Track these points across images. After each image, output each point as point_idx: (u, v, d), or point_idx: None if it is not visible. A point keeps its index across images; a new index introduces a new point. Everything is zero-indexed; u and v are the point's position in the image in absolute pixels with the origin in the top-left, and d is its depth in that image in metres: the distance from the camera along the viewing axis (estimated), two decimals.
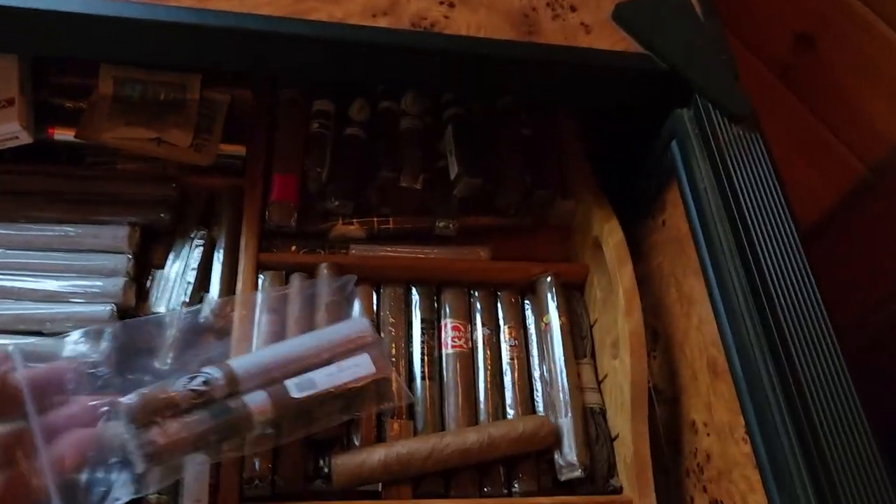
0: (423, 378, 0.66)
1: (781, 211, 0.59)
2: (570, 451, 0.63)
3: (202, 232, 0.70)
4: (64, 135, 0.71)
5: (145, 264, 0.68)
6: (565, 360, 0.67)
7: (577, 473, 0.62)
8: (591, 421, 0.65)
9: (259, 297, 0.66)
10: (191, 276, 0.67)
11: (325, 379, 0.58)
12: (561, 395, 0.65)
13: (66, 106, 0.72)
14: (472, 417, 0.65)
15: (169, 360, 0.61)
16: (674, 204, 0.68)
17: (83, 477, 0.51)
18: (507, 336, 0.70)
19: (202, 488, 0.57)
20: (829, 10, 0.83)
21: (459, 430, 0.63)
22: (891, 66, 0.79)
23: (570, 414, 0.64)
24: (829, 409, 0.50)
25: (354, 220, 0.73)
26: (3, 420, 0.47)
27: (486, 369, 0.68)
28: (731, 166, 0.61)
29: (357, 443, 0.62)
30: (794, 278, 0.56)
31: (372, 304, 0.70)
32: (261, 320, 0.65)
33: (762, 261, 0.56)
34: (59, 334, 0.62)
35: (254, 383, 0.57)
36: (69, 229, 0.67)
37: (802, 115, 0.89)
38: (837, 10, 0.82)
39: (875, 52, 0.79)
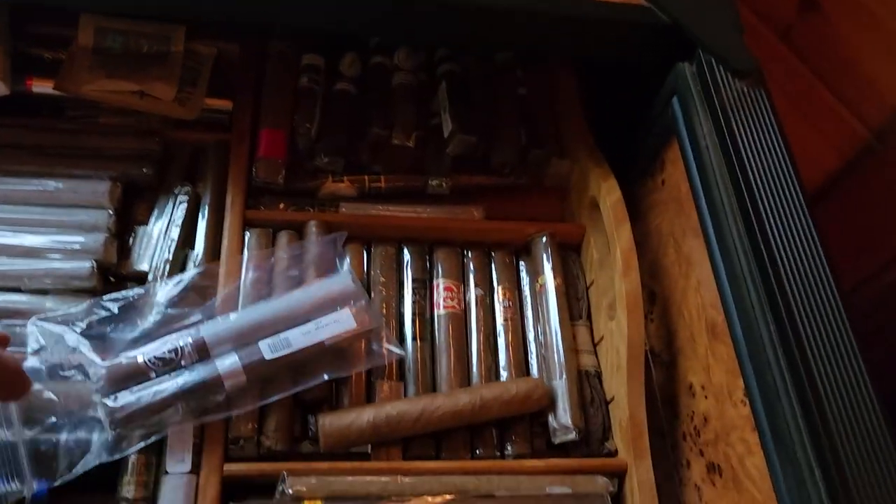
0: (414, 339, 0.64)
1: (786, 170, 0.58)
2: (564, 414, 0.61)
3: (187, 188, 0.68)
4: (43, 87, 0.69)
5: (128, 221, 0.66)
6: (560, 322, 0.65)
7: (572, 436, 0.61)
8: (587, 383, 0.64)
9: (245, 255, 0.64)
10: (175, 233, 0.65)
11: (301, 338, 0.57)
12: (555, 356, 0.64)
13: (45, 57, 0.70)
14: (464, 379, 0.64)
15: (152, 319, 0.60)
16: (674, 163, 0.66)
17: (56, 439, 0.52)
18: (500, 297, 0.68)
19: (185, 449, 0.56)
20: None
21: (451, 392, 0.62)
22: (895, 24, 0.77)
23: (564, 376, 0.63)
24: (832, 372, 0.49)
25: (345, 178, 0.71)
26: None
27: (479, 331, 0.66)
28: (734, 124, 0.59)
29: (346, 404, 0.60)
30: (798, 239, 0.54)
31: (362, 262, 0.68)
32: (246, 279, 0.63)
33: (765, 221, 0.55)
34: (37, 291, 0.61)
35: (227, 347, 0.57)
36: (49, 183, 0.65)
37: (805, 76, 0.87)
38: None
39: (879, 7, 0.77)
